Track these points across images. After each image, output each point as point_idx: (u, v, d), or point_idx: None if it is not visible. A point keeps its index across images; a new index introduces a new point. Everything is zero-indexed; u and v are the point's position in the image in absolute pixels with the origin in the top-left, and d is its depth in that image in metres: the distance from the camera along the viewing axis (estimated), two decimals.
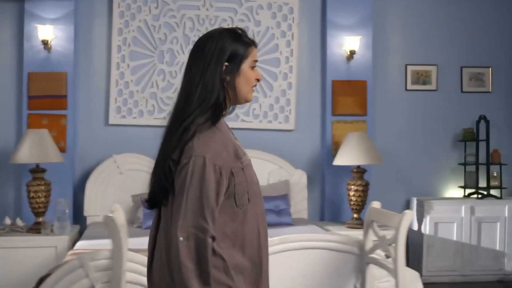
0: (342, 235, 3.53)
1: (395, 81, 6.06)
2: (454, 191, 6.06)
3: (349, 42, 5.69)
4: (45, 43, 5.32)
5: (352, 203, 5.40)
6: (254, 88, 2.06)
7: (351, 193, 5.39)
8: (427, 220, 5.63)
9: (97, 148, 5.61)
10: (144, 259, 3.22)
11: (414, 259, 5.84)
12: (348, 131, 5.57)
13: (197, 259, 1.79)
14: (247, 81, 2.01)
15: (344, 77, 5.79)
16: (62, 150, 5.43)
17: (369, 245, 3.35)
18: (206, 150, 1.86)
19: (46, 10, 5.42)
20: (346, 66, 5.78)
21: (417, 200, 5.83)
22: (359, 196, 5.36)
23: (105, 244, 4.25)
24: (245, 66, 2.00)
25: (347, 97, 5.79)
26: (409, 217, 3.02)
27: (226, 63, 1.96)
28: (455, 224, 5.66)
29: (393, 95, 6.06)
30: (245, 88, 2.02)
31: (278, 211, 5.30)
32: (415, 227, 5.82)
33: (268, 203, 5.22)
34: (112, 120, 5.63)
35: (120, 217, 3.02)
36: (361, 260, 3.42)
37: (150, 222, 4.98)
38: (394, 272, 3.15)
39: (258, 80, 2.05)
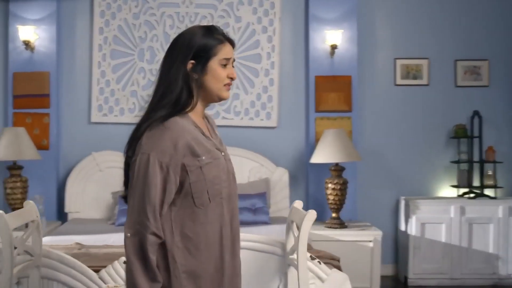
0: (264, 236, 3.39)
1: (383, 76, 5.84)
2: (447, 190, 5.78)
3: (331, 37, 5.52)
4: (26, 43, 5.45)
5: (330, 202, 5.25)
6: (228, 86, 2.03)
7: (329, 192, 5.23)
8: (413, 221, 5.39)
9: (80, 146, 5.69)
10: (59, 254, 3.24)
11: (401, 261, 5.62)
12: (332, 128, 5.42)
13: (142, 255, 1.83)
14: (216, 79, 1.99)
15: (328, 72, 5.63)
16: (45, 147, 5.55)
17: (289, 246, 3.22)
18: (151, 147, 1.88)
19: (29, 11, 5.55)
20: (330, 61, 5.62)
21: (404, 199, 5.60)
22: (336, 195, 5.20)
23: (68, 240, 4.36)
24: (214, 63, 1.98)
25: (331, 93, 5.63)
26: (311, 216, 2.87)
27: (192, 61, 1.96)
28: (444, 225, 5.39)
29: (381, 91, 5.84)
30: (215, 86, 2.00)
31: (255, 210, 5.21)
32: (403, 228, 5.59)
33: (244, 201, 5.15)
34: (94, 118, 5.70)
35: (31, 212, 3.04)
36: (284, 262, 3.29)
37: (123, 219, 5.02)
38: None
39: (231, 78, 2.02)
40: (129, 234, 1.84)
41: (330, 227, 5.21)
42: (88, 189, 5.54)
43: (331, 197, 5.22)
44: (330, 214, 5.35)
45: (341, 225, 5.22)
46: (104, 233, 4.69)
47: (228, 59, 2.02)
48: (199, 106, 2.04)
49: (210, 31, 2.04)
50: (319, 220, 5.52)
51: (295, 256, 3.13)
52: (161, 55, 5.68)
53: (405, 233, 5.52)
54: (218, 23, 5.69)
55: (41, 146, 5.52)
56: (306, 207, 5.65)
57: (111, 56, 5.70)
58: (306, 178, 5.72)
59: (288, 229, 3.28)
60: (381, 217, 5.77)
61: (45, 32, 5.57)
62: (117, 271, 3.20)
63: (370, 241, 5.09)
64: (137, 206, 1.86)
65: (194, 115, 2.02)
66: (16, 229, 3.23)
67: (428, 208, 5.42)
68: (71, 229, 4.89)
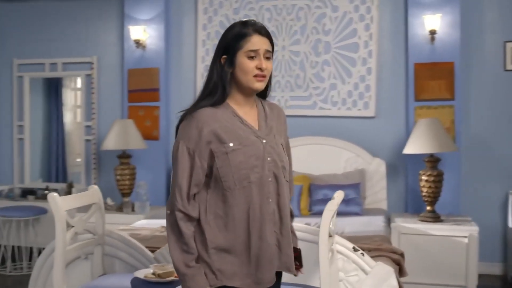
0: (306, 225, 3.38)
1: (491, 61, 5.43)
2: None
3: (429, 22, 5.27)
4: (137, 42, 5.93)
5: (423, 194, 5.04)
6: (258, 77, 2.12)
7: (422, 184, 5.02)
8: None
9: None
10: (121, 234, 3.55)
11: (510, 259, 5.21)
12: (433, 117, 5.19)
13: (176, 230, 2.10)
14: (244, 72, 2.11)
15: (428, 59, 5.38)
16: (156, 138, 6.01)
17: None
18: (181, 135, 2.14)
19: (140, 12, 6.02)
20: (430, 47, 5.36)
21: (511, 193, 5.19)
22: (430, 187, 4.97)
23: (158, 223, 4.71)
24: (240, 57, 2.11)
25: (431, 80, 5.38)
26: (331, 206, 2.78)
27: (224, 56, 2.14)
28: None
29: (488, 77, 5.44)
30: (244, 78, 2.12)
31: (347, 200, 5.17)
32: (511, 224, 5.18)
33: None
34: None
35: (94, 195, 3.38)
36: None
37: None
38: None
39: (259, 68, 2.10)
40: (168, 212, 2.11)
41: (424, 221, 5.00)
42: None
43: (424, 189, 5.01)
44: (426, 207, 5.12)
45: (436, 219, 4.98)
46: None
47: (255, 51, 2.10)
48: (239, 96, 2.17)
49: (241, 25, 2.16)
50: (415, 212, 5.36)
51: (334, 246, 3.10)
52: None
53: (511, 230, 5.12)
54: (315, 14, 5.72)
55: (151, 137, 5.98)
56: (405, 199, 5.57)
57: (214, 51, 5.96)
58: (405, 170, 5.54)
59: None
60: (488, 212, 5.40)
61: (154, 31, 6.01)
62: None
63: (465, 236, 4.79)
64: (172, 187, 2.12)
65: (236, 105, 2.17)
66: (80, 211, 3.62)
67: None
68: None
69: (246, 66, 2.10)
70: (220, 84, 2.13)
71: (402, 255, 3.76)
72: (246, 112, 2.18)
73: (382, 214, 5.15)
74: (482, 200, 5.44)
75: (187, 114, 2.15)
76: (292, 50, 5.77)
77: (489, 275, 5.30)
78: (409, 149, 5.05)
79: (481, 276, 5.03)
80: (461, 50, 5.35)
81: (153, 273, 3.11)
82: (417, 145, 4.98)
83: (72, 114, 6.72)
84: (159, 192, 5.98)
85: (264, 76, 2.12)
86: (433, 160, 5.01)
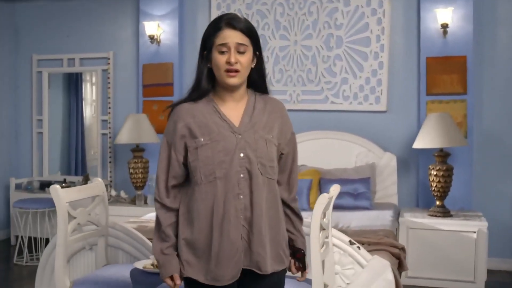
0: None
1: (506, 54, 5.35)
2: None
3: (441, 15, 5.23)
4: (151, 37, 6.01)
5: (433, 189, 5.01)
6: (229, 72, 2.08)
7: (431, 179, 5.00)
8: None
9: None
10: (124, 226, 3.63)
11: None
12: (445, 112, 5.16)
13: (157, 218, 2.21)
14: (217, 67, 2.10)
15: (440, 53, 5.34)
16: None
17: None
18: (165, 130, 2.23)
19: (155, 7, 6.10)
20: (443, 41, 5.32)
21: None
22: (439, 181, 4.95)
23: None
24: (214, 52, 2.10)
25: (443, 75, 5.34)
26: (322, 199, 2.81)
27: (204, 52, 2.17)
28: None
29: (502, 71, 5.37)
30: (218, 73, 2.11)
31: (356, 195, 5.19)
32: None
33: (346, 186, 5.15)
34: None
35: (97, 188, 3.46)
36: None
37: None
38: None
39: (228, 63, 2.07)
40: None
41: (433, 216, 4.98)
42: None
43: (434, 184, 4.99)
44: (436, 202, 5.10)
45: (445, 213, 4.96)
46: None
47: (223, 45, 2.08)
48: (222, 91, 2.15)
49: (215, 20, 2.17)
50: (426, 207, 5.34)
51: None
52: (272, 43, 5.87)
53: None
54: (327, 8, 5.72)
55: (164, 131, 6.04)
56: (416, 194, 5.56)
57: None
58: (416, 164, 5.51)
59: None
60: (499, 208, 5.34)
61: (169, 26, 6.08)
62: None
63: (474, 232, 4.76)
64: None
65: (219, 100, 2.17)
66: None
67: None
68: None
69: (217, 61, 2.09)
70: (205, 80, 2.16)
71: (403, 249, 3.76)
72: (231, 107, 2.16)
73: (391, 209, 5.14)
74: (493, 195, 5.38)
75: (172, 108, 2.22)
76: (304, 45, 5.78)
77: (499, 271, 5.25)
78: (419, 144, 5.03)
79: (491, 272, 5.00)
80: (474, 44, 5.29)
81: (152, 264, 3.18)
82: (427, 139, 4.96)
83: (91, 108, 6.85)
84: None
85: (236, 71, 2.08)
86: (443, 155, 4.99)
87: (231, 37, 2.08)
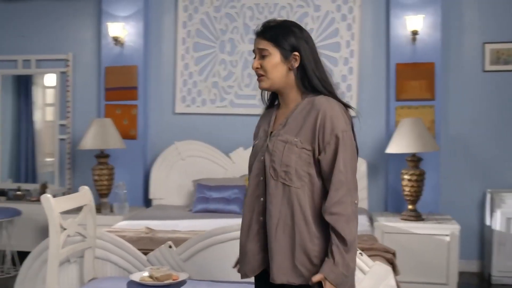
0: None
1: (471, 62, 5.51)
2: None
3: (411, 22, 5.32)
4: (116, 39, 5.80)
5: (405, 193, 5.08)
6: (258, 78, 2.19)
7: (404, 183, 5.07)
8: (497, 215, 5.07)
9: (165, 135, 5.96)
10: (113, 237, 3.46)
11: (486, 257, 5.31)
12: (413, 117, 5.24)
13: None
14: None
15: (410, 59, 5.42)
16: (133, 137, 5.89)
17: None
18: None
19: (119, 8, 5.89)
20: (412, 48, 5.41)
21: (489, 192, 5.28)
22: (412, 186, 5.02)
23: (142, 224, 4.61)
24: None
25: (412, 81, 5.43)
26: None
27: None
28: None
29: (468, 78, 5.52)
30: None
31: None
32: (488, 222, 5.28)
33: None
34: (178, 109, 5.94)
35: (85, 197, 3.27)
36: None
37: (200, 207, 5.22)
38: None
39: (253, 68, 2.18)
40: None
41: (406, 220, 5.05)
42: (171, 177, 5.80)
43: (406, 189, 5.06)
44: (407, 206, 5.16)
45: (417, 217, 5.04)
46: (178, 219, 4.91)
47: (253, 51, 2.18)
48: (280, 98, 2.24)
49: None
50: (396, 211, 5.40)
51: None
52: (241, 47, 5.80)
53: (489, 228, 5.21)
54: (297, 13, 5.70)
55: (129, 136, 5.86)
56: (385, 199, 5.61)
57: (194, 49, 5.91)
58: (385, 169, 5.58)
59: None
60: (466, 211, 5.49)
61: (133, 28, 5.89)
62: (163, 254, 3.35)
63: (447, 235, 4.86)
64: None
65: (281, 105, 2.23)
66: (71, 213, 3.52)
67: None
68: (150, 215, 5.16)
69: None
70: None
71: (394, 254, 3.77)
72: (283, 111, 2.20)
73: (364, 214, 5.17)
74: (460, 199, 5.52)
75: None
76: None
77: (467, 273, 5.38)
78: (392, 149, 5.09)
79: (459, 274, 5.11)
80: (442, 51, 5.41)
81: (150, 276, 3.03)
82: (400, 144, 5.02)
83: (43, 112, 6.53)
84: (137, 193, 5.87)
85: (260, 75, 2.15)
86: (415, 160, 5.06)
87: (255, 44, 2.17)
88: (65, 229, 3.06)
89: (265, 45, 2.12)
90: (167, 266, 3.25)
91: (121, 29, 5.82)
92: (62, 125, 6.20)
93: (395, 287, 3.18)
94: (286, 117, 2.14)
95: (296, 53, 2.11)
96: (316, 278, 1.99)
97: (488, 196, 5.31)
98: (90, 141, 5.43)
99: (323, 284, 1.98)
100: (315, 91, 2.12)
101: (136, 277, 3.04)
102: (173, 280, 3.01)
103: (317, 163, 2.06)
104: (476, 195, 5.51)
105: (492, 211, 5.16)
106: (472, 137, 5.51)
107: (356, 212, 2.05)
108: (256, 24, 5.62)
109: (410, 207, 5.09)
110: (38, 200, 5.90)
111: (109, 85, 5.93)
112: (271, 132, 2.17)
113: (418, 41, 5.38)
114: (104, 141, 5.42)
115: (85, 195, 3.31)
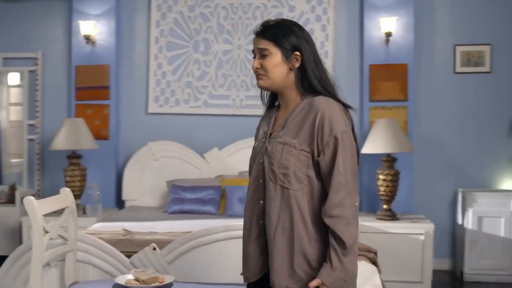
0: None
1: (442, 63, 5.62)
2: (508, 183, 5.50)
3: (385, 24, 5.38)
4: (87, 38, 5.69)
5: (381, 193, 5.14)
6: (257, 75, 2.14)
7: (379, 183, 5.13)
8: (469, 214, 5.18)
9: (138, 135, 5.88)
10: (95, 239, 3.38)
11: (458, 255, 5.42)
12: (387, 118, 5.30)
13: None
14: None
15: (383, 61, 5.49)
16: (105, 138, 5.78)
17: None
18: None
19: (90, 6, 5.78)
20: (385, 49, 5.48)
21: (461, 192, 5.39)
22: (387, 186, 5.08)
23: (118, 226, 4.53)
24: None
25: (386, 81, 5.50)
26: None
27: None
28: (503, 219, 5.14)
29: (439, 79, 5.62)
30: None
31: None
32: (460, 221, 5.38)
33: None
34: (151, 109, 5.87)
35: (66, 199, 3.19)
36: None
37: (175, 208, 5.16)
38: None
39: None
40: None
41: (381, 219, 5.11)
42: (144, 178, 5.72)
43: (382, 188, 5.11)
44: (382, 206, 5.23)
45: (392, 217, 5.10)
46: (154, 220, 4.84)
47: (253, 51, 2.16)
48: (279, 98, 2.21)
49: None
50: (371, 211, 5.46)
51: None
52: (215, 47, 5.76)
53: (461, 226, 5.32)
54: (271, 13, 5.70)
55: (101, 136, 5.75)
56: (359, 199, 5.62)
57: (167, 48, 5.84)
58: (359, 169, 5.62)
59: None
60: (438, 210, 5.59)
61: (105, 26, 5.79)
62: (148, 257, 3.30)
63: (422, 234, 4.94)
64: None
65: (281, 106, 2.20)
66: (53, 215, 3.43)
67: (486, 201, 5.18)
68: (124, 216, 5.07)
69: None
70: None
71: (375, 253, 3.81)
72: (282, 112, 2.17)
73: None
74: (432, 198, 5.62)
75: None
76: (248, 49, 5.70)
77: (439, 271, 5.47)
78: (367, 149, 5.13)
79: (433, 272, 5.19)
80: (414, 53, 5.49)
81: (136, 279, 2.98)
82: (375, 144, 5.07)
83: (7, 112, 6.34)
84: (109, 194, 5.76)
85: (259, 74, 2.10)
86: (390, 160, 5.13)
87: (255, 43, 2.13)
88: (47, 232, 2.97)
89: (266, 44, 2.08)
90: (152, 269, 3.22)
91: (93, 28, 5.71)
92: (30, 125, 6.04)
93: (381, 286, 3.20)
94: (286, 118, 2.11)
95: (298, 53, 2.08)
96: (313, 283, 1.95)
97: (460, 196, 5.41)
98: (62, 141, 5.31)
99: None
100: (314, 92, 2.09)
101: (121, 280, 2.99)
102: (160, 283, 2.98)
103: (316, 165, 2.02)
104: (447, 194, 5.61)
105: (464, 210, 5.27)
106: (443, 138, 5.62)
107: (356, 215, 1.99)
108: (230, 24, 5.71)
109: (385, 206, 5.15)
110: (6, 202, 5.76)
111: (80, 85, 5.81)
112: (271, 134, 2.13)
113: (392, 42, 5.45)
114: (76, 142, 5.31)
115: (66, 197, 3.23)
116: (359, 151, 2.13)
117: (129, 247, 3.72)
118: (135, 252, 3.47)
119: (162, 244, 3.50)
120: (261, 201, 2.09)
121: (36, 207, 2.84)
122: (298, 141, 2.03)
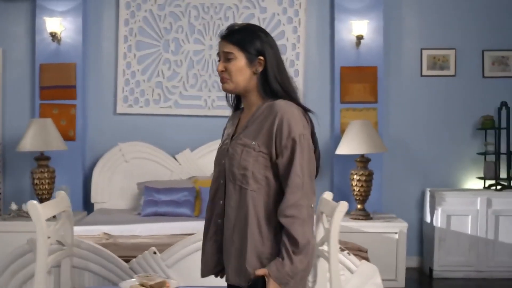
0: None
1: (410, 66, 5.79)
2: (473, 182, 5.73)
3: (356, 27, 5.48)
4: (53, 35, 5.49)
5: (355, 193, 5.23)
6: (222, 79, 2.14)
7: (354, 183, 5.22)
8: (438, 212, 5.35)
9: (106, 136, 5.73)
10: (92, 244, 3.28)
11: (426, 253, 5.59)
12: (358, 119, 5.39)
13: None
14: None
15: (354, 63, 5.59)
16: (72, 138, 5.60)
17: (319, 237, 3.22)
18: None
19: (55, 3, 5.58)
20: (356, 52, 5.58)
21: (429, 191, 5.56)
22: (362, 186, 5.18)
23: (96, 230, 4.40)
24: None
25: (356, 84, 5.60)
26: (342, 208, 2.86)
27: None
28: (470, 217, 5.35)
29: (407, 82, 5.79)
30: None
31: None
32: (428, 220, 5.56)
33: None
34: (120, 109, 5.74)
35: (63, 202, 3.07)
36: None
37: (149, 210, 5.06)
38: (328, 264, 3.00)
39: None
40: None
41: (356, 219, 5.20)
42: (114, 180, 5.59)
43: (356, 189, 5.21)
44: (355, 206, 5.31)
45: (366, 216, 5.20)
46: (130, 223, 4.72)
47: (218, 54, 2.18)
48: (243, 101, 2.23)
49: None
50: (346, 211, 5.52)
51: (324, 247, 3.13)
52: (186, 46, 5.69)
53: (430, 225, 5.49)
54: (243, 14, 5.69)
55: (68, 137, 5.56)
56: (331, 199, 5.69)
57: (137, 48, 5.73)
58: (331, 170, 5.71)
59: (318, 220, 3.27)
60: (407, 209, 5.74)
61: (71, 24, 5.61)
62: (148, 261, 3.23)
63: (396, 233, 5.06)
64: None
65: (245, 108, 2.22)
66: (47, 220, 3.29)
67: (454, 200, 5.37)
68: (97, 220, 4.93)
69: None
70: None
71: (366, 252, 3.87)
72: (246, 114, 2.19)
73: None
74: (401, 197, 5.77)
75: None
76: None
77: (408, 268, 5.60)
78: (342, 150, 5.21)
79: None
80: (384, 56, 5.62)
81: (142, 285, 2.90)
82: (350, 146, 5.15)
83: None
84: (77, 196, 5.58)
85: (223, 78, 2.13)
86: (364, 161, 5.22)
87: (220, 46, 2.16)
88: (49, 237, 2.86)
89: (231, 48, 2.10)
90: (155, 274, 3.14)
91: (58, 25, 5.52)
92: None
93: (381, 285, 3.26)
94: (247, 120, 2.14)
95: (261, 58, 2.10)
96: (259, 271, 2.00)
97: (428, 195, 5.58)
98: (29, 142, 5.10)
99: (267, 281, 1.98)
100: (276, 96, 2.12)
101: (126, 286, 2.91)
102: (167, 287, 2.91)
103: (275, 166, 2.05)
104: (415, 194, 5.78)
105: (433, 209, 5.44)
106: (411, 139, 5.78)
107: (312, 216, 2.04)
108: (201, 24, 5.67)
109: (359, 206, 5.24)
110: None
111: (44, 84, 5.60)
112: (233, 135, 2.17)
113: (362, 45, 5.55)
114: (45, 142, 5.12)
115: (62, 201, 3.11)
116: (319, 153, 2.19)
117: (118, 251, 3.62)
118: (127, 257, 3.39)
119: (144, 247, 3.48)
120: (221, 201, 2.15)
121: (41, 212, 2.72)
122: (257, 143, 2.07)
